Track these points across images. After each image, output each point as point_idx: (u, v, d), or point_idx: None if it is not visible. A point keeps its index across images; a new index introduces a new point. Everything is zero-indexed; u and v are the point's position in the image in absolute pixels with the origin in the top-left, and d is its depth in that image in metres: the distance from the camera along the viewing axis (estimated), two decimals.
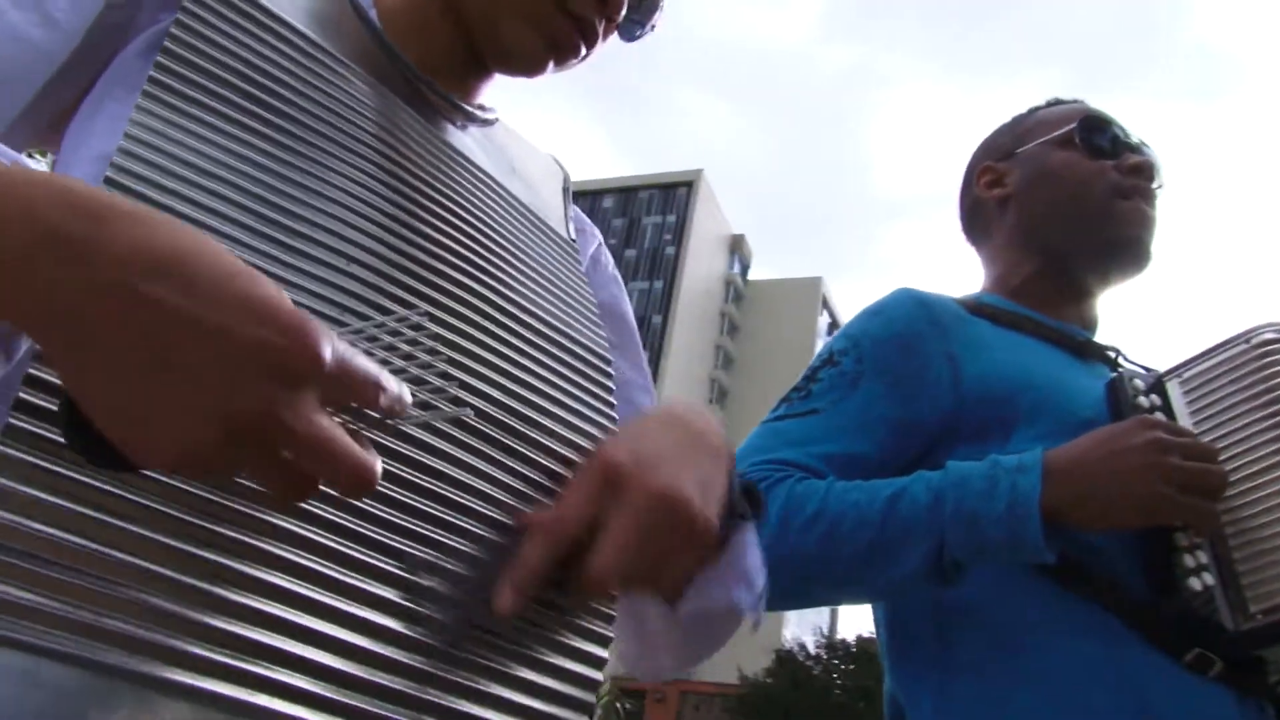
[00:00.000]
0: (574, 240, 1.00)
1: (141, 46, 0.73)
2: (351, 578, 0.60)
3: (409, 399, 0.54)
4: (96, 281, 0.44)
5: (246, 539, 0.56)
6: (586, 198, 76.00)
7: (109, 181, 0.59)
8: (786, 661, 39.45)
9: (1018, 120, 1.57)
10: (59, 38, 0.72)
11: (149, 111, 0.63)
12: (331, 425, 0.48)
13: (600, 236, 1.10)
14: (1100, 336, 1.46)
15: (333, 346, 0.49)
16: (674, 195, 75.66)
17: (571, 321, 0.88)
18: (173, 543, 0.53)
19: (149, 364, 0.44)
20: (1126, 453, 1.07)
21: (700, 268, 73.88)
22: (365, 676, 0.59)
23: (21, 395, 0.51)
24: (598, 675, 0.73)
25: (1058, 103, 1.56)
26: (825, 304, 77.47)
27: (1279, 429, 1.11)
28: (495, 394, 0.75)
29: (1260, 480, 1.10)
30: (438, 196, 0.81)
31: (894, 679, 1.24)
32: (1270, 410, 1.13)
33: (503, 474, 0.73)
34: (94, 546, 0.50)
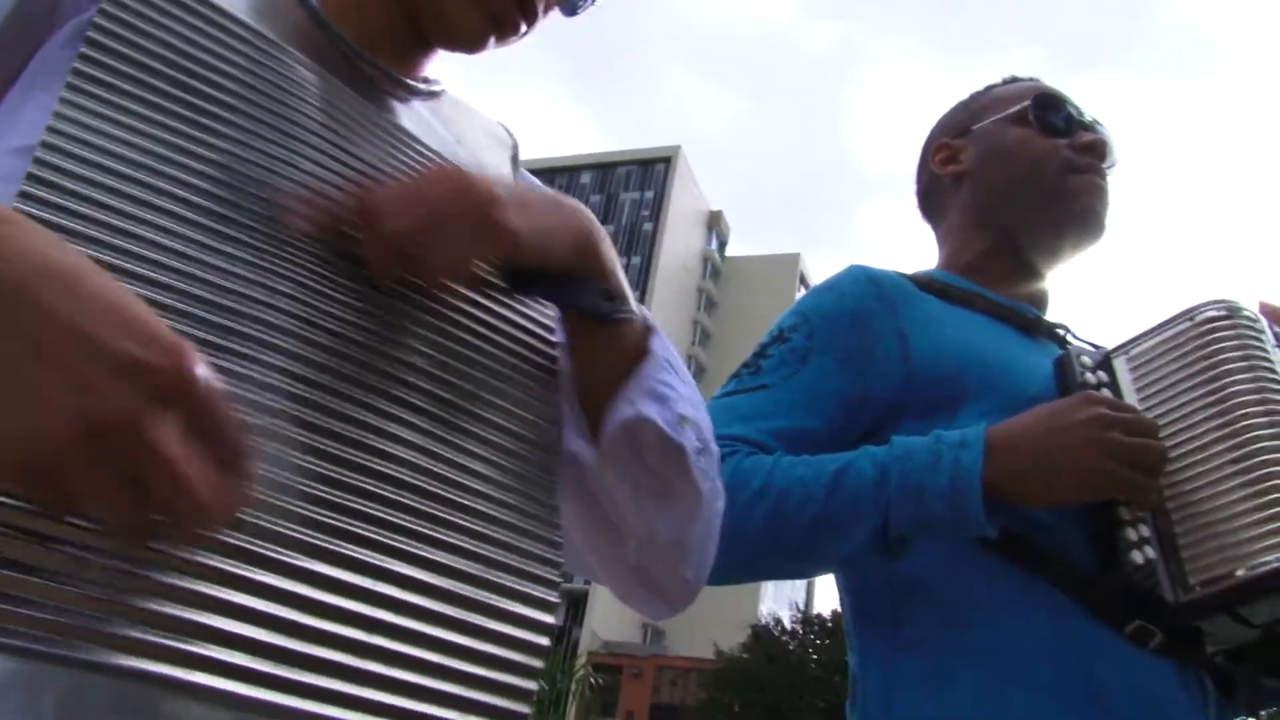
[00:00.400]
0: None
1: (69, 35, 0.72)
2: (282, 555, 0.60)
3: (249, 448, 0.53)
4: None
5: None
6: (564, 174, 75.75)
7: (31, 177, 0.58)
8: (762, 636, 39.72)
9: (974, 97, 1.57)
10: None
11: (72, 103, 0.63)
12: (186, 450, 0.47)
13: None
14: (1054, 314, 1.47)
15: (206, 375, 0.49)
16: (652, 171, 75.50)
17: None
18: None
19: (19, 354, 0.45)
20: (1068, 428, 1.08)
21: (678, 244, 73.80)
22: (304, 650, 0.60)
23: None
24: (544, 640, 0.74)
25: (1013, 80, 1.56)
26: (803, 280, 77.53)
27: (1219, 405, 1.13)
28: (429, 350, 0.76)
29: (1201, 455, 1.12)
30: (373, 171, 0.81)
31: (851, 652, 1.25)
32: (1211, 387, 1.14)
33: (438, 456, 0.73)
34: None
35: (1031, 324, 1.37)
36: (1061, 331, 1.38)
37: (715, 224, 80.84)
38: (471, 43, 0.91)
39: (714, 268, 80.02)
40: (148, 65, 0.68)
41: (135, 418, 0.45)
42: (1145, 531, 1.11)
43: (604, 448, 0.82)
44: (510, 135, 1.09)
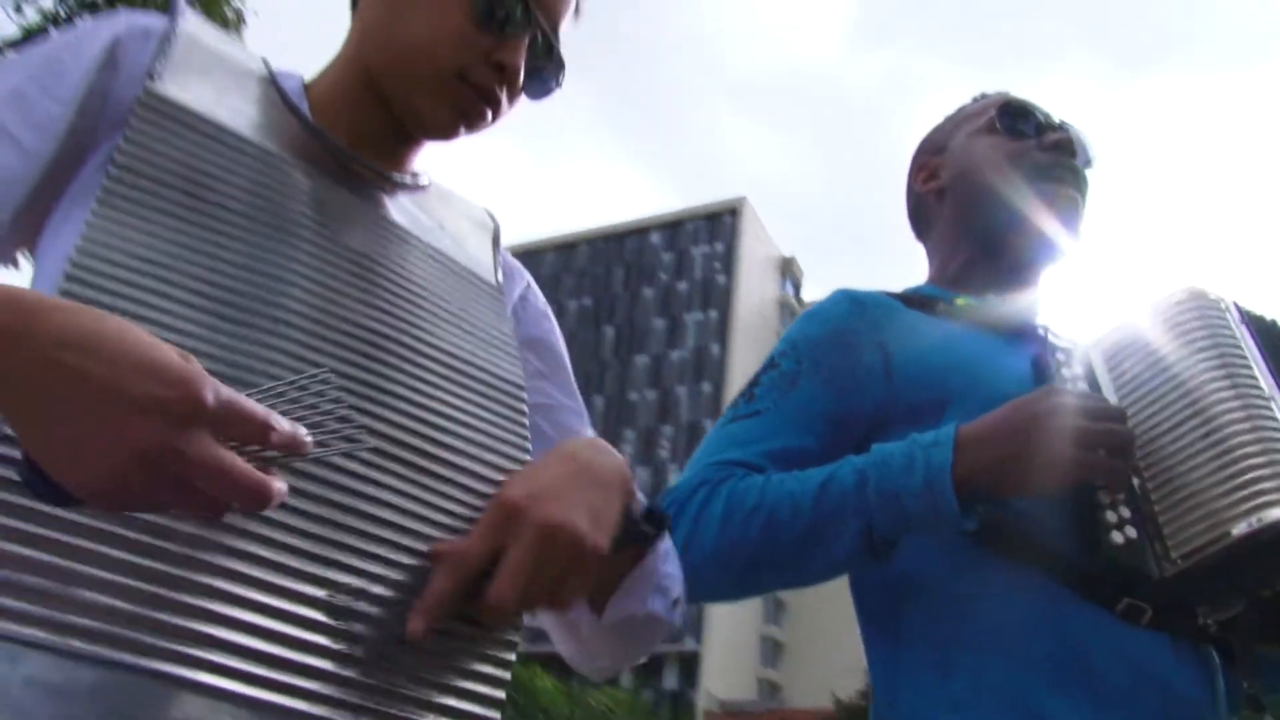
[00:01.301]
0: (500, 285, 1.11)
1: (100, 160, 0.86)
2: (283, 591, 0.71)
3: (305, 435, 0.65)
4: (29, 359, 0.58)
5: (199, 556, 0.69)
6: (634, 235, 76.41)
7: (67, 276, 0.72)
8: None
9: (948, 118, 1.65)
10: (30, 164, 0.85)
11: (100, 215, 0.77)
12: (225, 454, 0.60)
13: (529, 278, 1.21)
14: (1047, 315, 1.52)
15: (216, 393, 0.61)
16: (720, 223, 75.76)
17: (487, 356, 0.99)
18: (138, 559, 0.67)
19: (71, 416, 0.58)
20: (1032, 419, 1.14)
21: (753, 293, 73.81)
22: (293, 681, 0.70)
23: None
24: (500, 694, 0.85)
25: (984, 96, 1.63)
26: None
27: (1187, 385, 1.18)
28: (413, 424, 0.87)
29: (1174, 435, 1.17)
30: (360, 259, 0.93)
31: (866, 652, 1.31)
32: (1179, 369, 1.20)
33: (419, 500, 0.84)
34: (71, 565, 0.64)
35: (1013, 328, 1.42)
36: (1042, 331, 1.43)
37: (788, 269, 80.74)
38: (444, 135, 1.04)
39: (791, 313, 79.75)
40: (163, 180, 0.82)
41: (168, 441, 0.58)
42: (1126, 513, 1.15)
43: (605, 625, 0.95)
44: (493, 219, 1.20)
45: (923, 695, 1.19)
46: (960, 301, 1.44)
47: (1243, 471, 1.08)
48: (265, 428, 0.63)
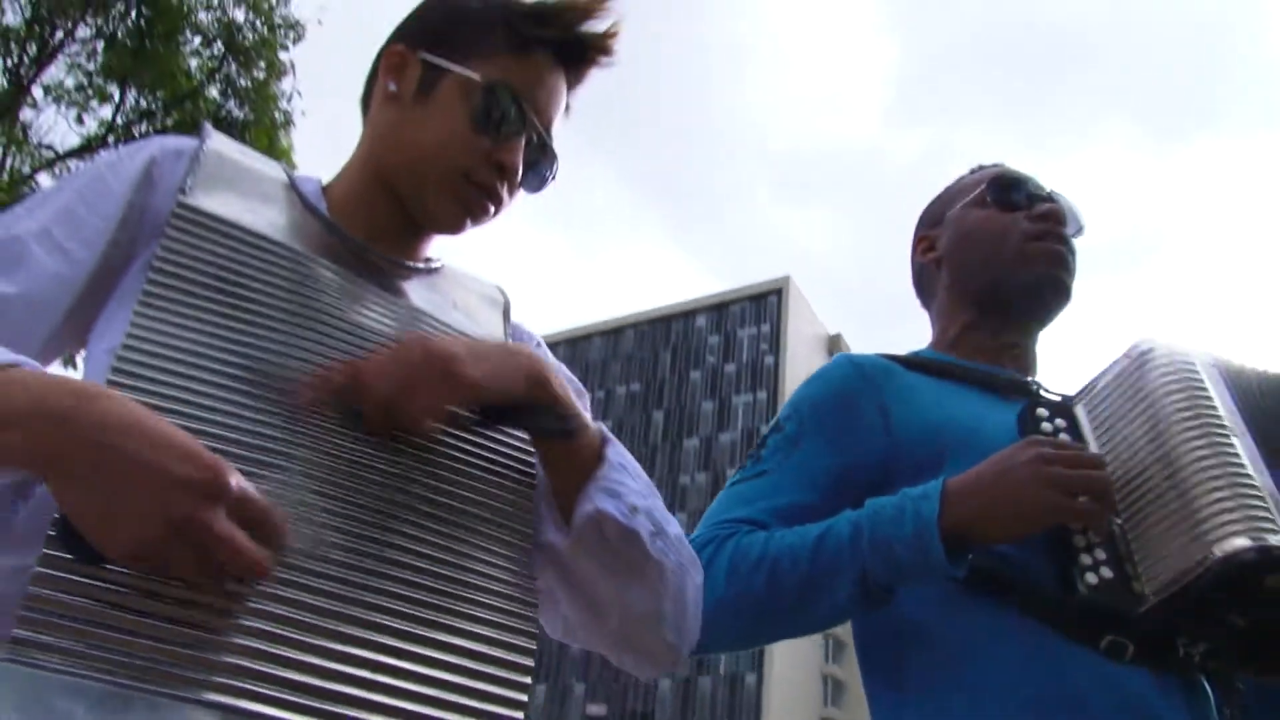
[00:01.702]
0: None
1: (141, 266, 0.98)
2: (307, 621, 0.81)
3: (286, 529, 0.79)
4: (77, 438, 0.71)
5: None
6: (680, 319, 76.82)
7: (113, 369, 0.84)
8: None
9: (946, 190, 1.75)
10: (78, 273, 0.97)
11: (142, 314, 0.89)
12: (237, 530, 0.73)
13: (539, 338, 1.32)
14: (1042, 374, 1.61)
15: (236, 479, 0.74)
16: (765, 304, 76.04)
17: None
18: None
19: (115, 488, 0.70)
20: (1013, 469, 1.21)
21: (800, 372, 73.57)
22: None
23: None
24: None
25: (979, 168, 1.73)
26: None
27: (1155, 429, 1.24)
28: (426, 479, 0.97)
29: (1146, 474, 1.23)
30: (377, 337, 1.04)
31: (869, 703, 1.37)
32: (1148, 415, 1.26)
33: (431, 544, 0.94)
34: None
35: (1007, 385, 1.51)
36: (1034, 388, 1.51)
37: (835, 347, 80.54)
38: (451, 229, 1.16)
39: None
40: (197, 280, 0.94)
41: (194, 513, 0.71)
42: (1101, 555, 1.22)
43: (573, 538, 1.02)
44: (503, 295, 1.32)
45: None
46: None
47: (1207, 505, 1.14)
48: (266, 513, 0.76)
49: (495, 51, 1.14)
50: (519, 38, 1.15)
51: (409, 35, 1.18)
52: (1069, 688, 1.20)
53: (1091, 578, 1.20)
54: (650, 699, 62.94)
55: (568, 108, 1.22)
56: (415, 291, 1.17)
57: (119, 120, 16.80)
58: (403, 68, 1.15)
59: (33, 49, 16.21)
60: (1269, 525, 1.11)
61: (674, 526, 1.07)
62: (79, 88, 16.75)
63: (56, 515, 0.73)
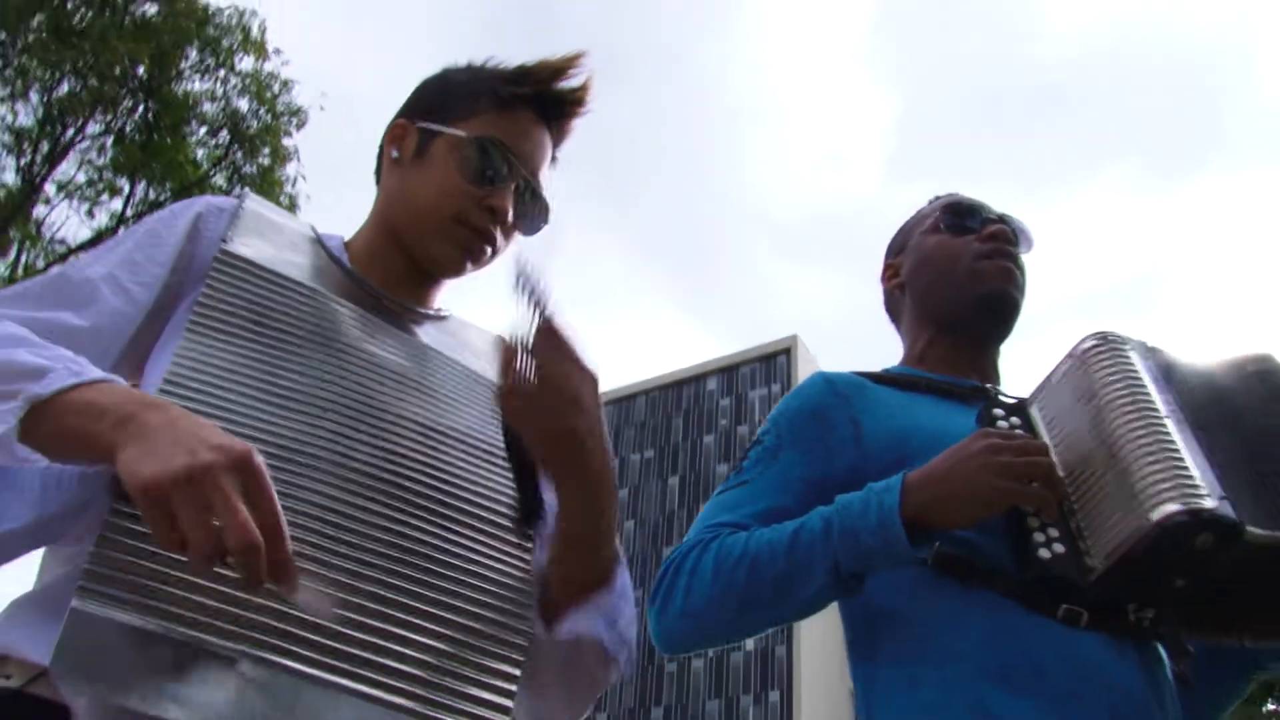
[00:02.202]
0: None
1: (188, 304, 1.13)
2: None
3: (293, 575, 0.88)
4: (139, 426, 0.85)
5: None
6: (690, 384, 76.94)
7: (161, 390, 0.99)
8: None
9: (909, 220, 1.89)
10: (137, 310, 1.13)
11: (188, 344, 1.04)
12: (241, 501, 0.82)
13: None
14: (1006, 382, 1.73)
15: (260, 461, 0.85)
16: (775, 364, 76.09)
17: (493, 434, 1.22)
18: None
19: (160, 440, 0.83)
20: (965, 459, 1.33)
21: None
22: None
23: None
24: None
25: (936, 199, 1.87)
26: None
27: (1097, 418, 1.36)
28: (430, 482, 1.10)
29: (1089, 461, 1.35)
30: (388, 364, 1.19)
31: (851, 677, 1.48)
32: (1092, 405, 1.39)
33: (437, 539, 1.08)
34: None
35: (968, 393, 1.63)
36: (991, 392, 1.63)
37: None
38: (453, 271, 1.32)
39: None
40: (236, 315, 1.10)
41: (215, 467, 0.81)
42: (1054, 532, 1.33)
43: (551, 639, 1.13)
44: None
45: (895, 707, 1.36)
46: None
47: (1144, 479, 1.25)
48: (272, 500, 0.85)
49: (482, 112, 1.30)
50: (501, 98, 1.31)
51: (409, 110, 1.35)
52: (1029, 655, 1.30)
53: (1045, 553, 1.32)
54: (686, 674, 62.31)
55: (554, 159, 1.37)
56: (425, 333, 1.31)
57: (129, 213, 17.18)
58: (403, 137, 1.32)
59: (45, 147, 16.63)
60: (1197, 492, 1.22)
61: (632, 638, 1.19)
62: (89, 183, 17.19)
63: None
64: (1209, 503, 1.21)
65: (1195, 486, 1.23)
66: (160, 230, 1.19)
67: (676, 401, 75.93)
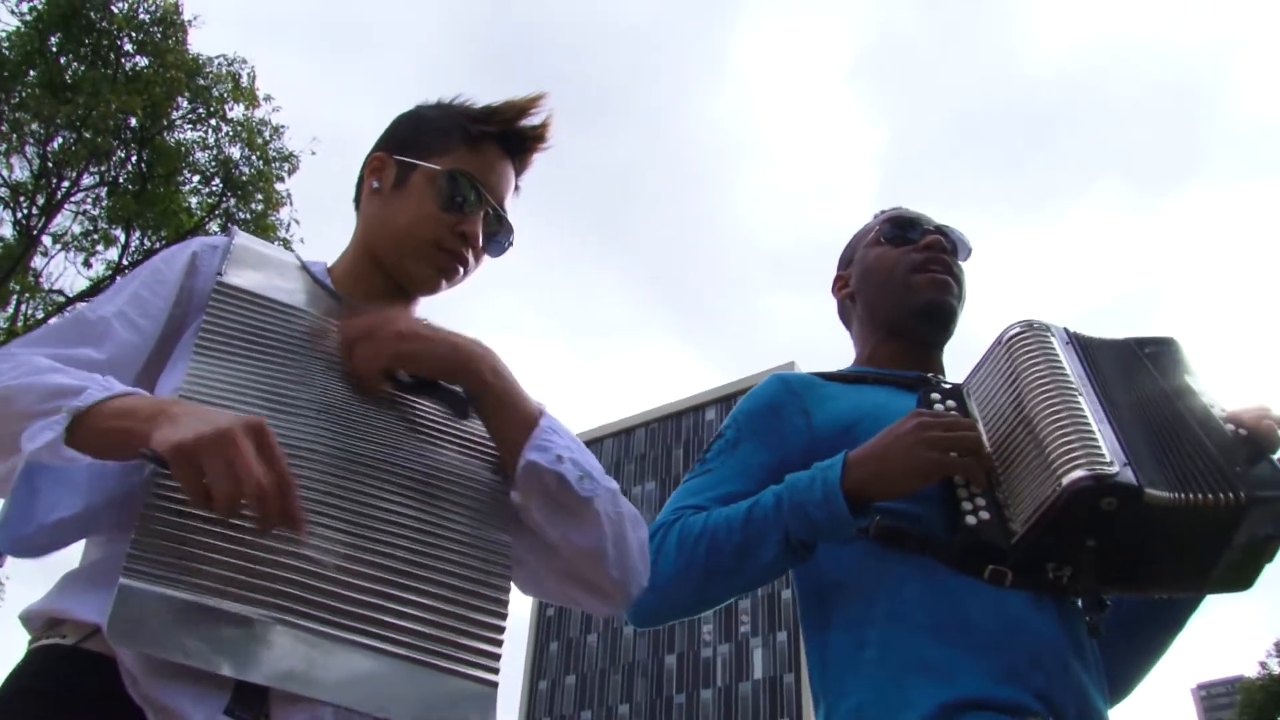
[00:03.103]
0: None
1: (191, 333, 1.29)
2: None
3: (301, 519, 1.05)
4: (176, 418, 1.00)
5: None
6: (690, 414, 77.06)
7: (180, 395, 1.15)
8: None
9: (856, 234, 2.04)
10: (145, 340, 1.29)
11: (196, 365, 1.20)
12: (257, 461, 0.99)
13: None
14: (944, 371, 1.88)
15: (271, 433, 1.01)
16: None
17: (468, 423, 1.36)
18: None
19: (189, 420, 0.99)
20: (899, 435, 1.48)
21: None
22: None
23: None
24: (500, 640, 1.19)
25: (881, 213, 2.03)
26: None
27: (1019, 396, 1.51)
28: (413, 464, 1.25)
29: (1012, 436, 1.50)
30: None
31: (805, 645, 1.62)
32: (1014, 385, 1.53)
33: (419, 518, 1.22)
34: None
35: (912, 382, 1.78)
36: (931, 379, 1.78)
37: None
38: (429, 289, 1.47)
39: None
40: (234, 338, 1.25)
41: (233, 431, 0.98)
42: (981, 501, 1.48)
43: (519, 491, 1.29)
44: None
45: (844, 665, 1.50)
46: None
47: (1056, 448, 1.39)
48: (280, 458, 1.02)
49: (453, 147, 1.47)
50: (470, 134, 1.48)
51: (385, 144, 1.52)
52: (959, 612, 1.45)
53: (972, 519, 1.46)
54: (694, 705, 61.97)
55: (517, 188, 1.55)
56: None
57: (124, 262, 17.37)
58: (382, 169, 1.48)
59: (41, 200, 16.82)
60: (1102, 460, 1.37)
61: (608, 481, 1.30)
62: (85, 234, 17.38)
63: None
64: (1113, 469, 1.36)
65: (1101, 455, 1.37)
66: (162, 268, 1.35)
67: (676, 433, 75.99)
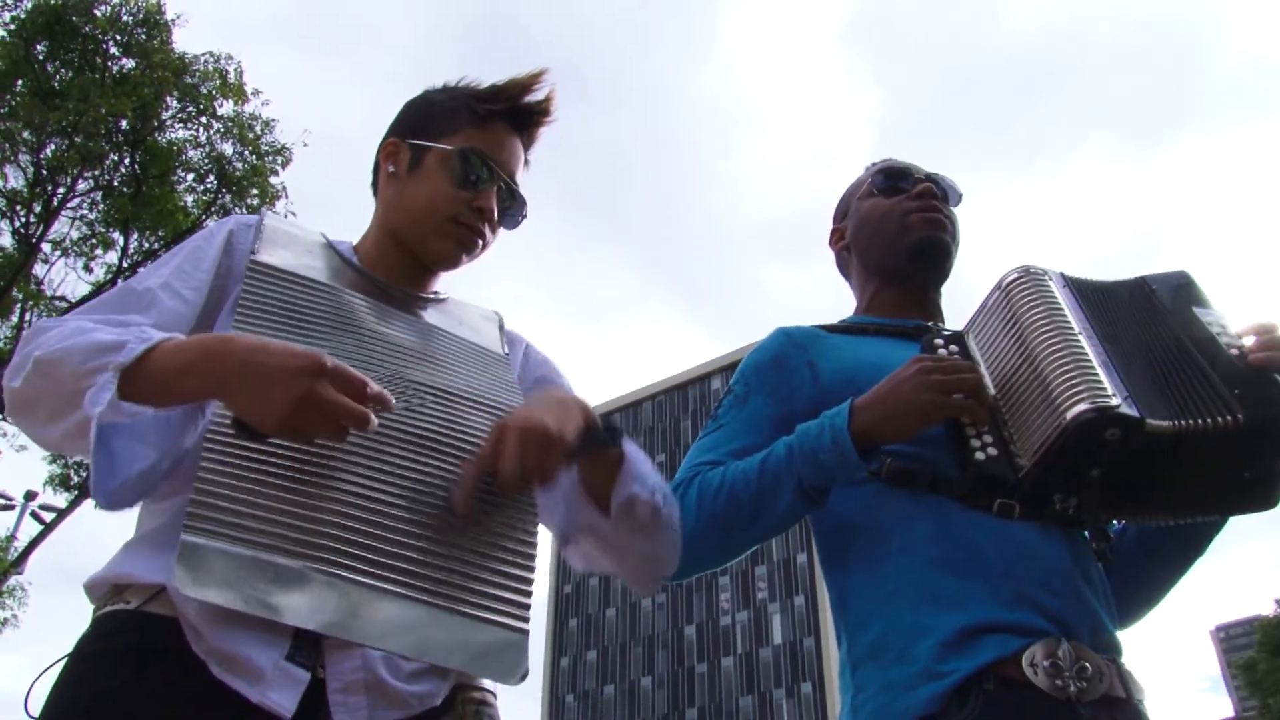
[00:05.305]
0: (506, 353, 1.57)
1: (231, 304, 1.36)
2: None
3: (388, 395, 1.13)
4: (231, 364, 1.08)
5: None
6: (695, 384, 77.20)
7: None
8: None
9: (849, 187, 2.10)
10: (191, 309, 1.36)
11: (234, 327, 1.26)
12: (340, 395, 1.08)
13: (528, 341, 1.68)
14: (944, 318, 1.94)
15: (331, 361, 1.08)
16: None
17: (489, 391, 1.43)
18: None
19: (258, 388, 1.07)
20: (903, 380, 1.54)
21: None
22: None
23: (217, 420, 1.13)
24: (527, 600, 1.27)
25: (872, 165, 2.08)
26: None
27: (1021, 339, 1.57)
28: (441, 421, 1.31)
29: (1015, 377, 1.55)
30: (399, 341, 1.39)
31: (826, 583, 1.69)
32: (1016, 328, 1.59)
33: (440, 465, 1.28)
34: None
35: (912, 331, 1.83)
36: (931, 326, 1.83)
37: None
38: (450, 264, 1.54)
39: None
40: (271, 313, 1.31)
41: (310, 388, 1.06)
42: (988, 439, 1.54)
43: (613, 518, 1.36)
44: (498, 315, 1.69)
45: (863, 598, 1.56)
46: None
47: (1059, 385, 1.45)
48: (362, 384, 1.10)
49: (462, 128, 1.53)
50: (478, 114, 1.55)
51: (397, 129, 1.58)
52: (970, 545, 1.51)
53: (980, 456, 1.52)
54: (717, 674, 62.58)
55: (527, 162, 1.61)
56: (429, 315, 1.54)
57: (125, 264, 17.42)
58: (396, 153, 1.55)
59: (38, 208, 16.85)
60: (1104, 393, 1.42)
61: (666, 487, 1.43)
62: (83, 239, 17.42)
63: (231, 417, 1.10)
64: (1114, 401, 1.41)
65: (1103, 389, 1.43)
66: (202, 245, 1.43)
67: (683, 403, 76.17)
